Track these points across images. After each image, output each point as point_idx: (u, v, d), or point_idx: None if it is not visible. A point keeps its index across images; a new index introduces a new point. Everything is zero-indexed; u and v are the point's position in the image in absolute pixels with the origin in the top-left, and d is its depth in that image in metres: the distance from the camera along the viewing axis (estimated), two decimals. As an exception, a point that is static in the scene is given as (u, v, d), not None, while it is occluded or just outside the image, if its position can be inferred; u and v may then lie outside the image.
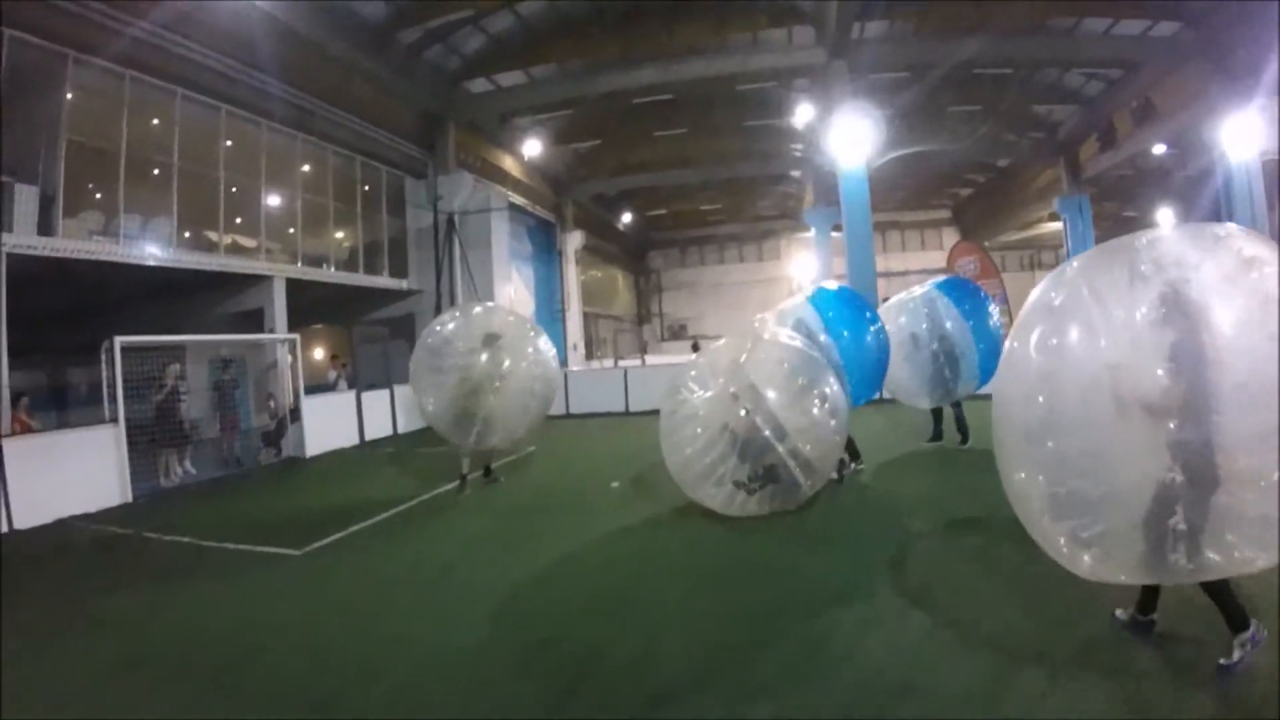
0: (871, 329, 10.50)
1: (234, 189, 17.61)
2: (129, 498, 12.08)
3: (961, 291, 11.95)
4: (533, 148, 27.63)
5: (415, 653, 5.63)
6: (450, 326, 10.98)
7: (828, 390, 8.33)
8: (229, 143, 17.30)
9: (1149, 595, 4.82)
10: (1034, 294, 4.63)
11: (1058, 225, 36.44)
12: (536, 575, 7.31)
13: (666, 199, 44.57)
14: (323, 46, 18.27)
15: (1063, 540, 4.30)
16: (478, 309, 12.16)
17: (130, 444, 12.32)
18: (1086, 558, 4.24)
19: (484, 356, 10.52)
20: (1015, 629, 5.14)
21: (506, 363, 10.64)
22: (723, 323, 47.24)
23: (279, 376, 16.51)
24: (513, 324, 11.42)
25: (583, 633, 5.79)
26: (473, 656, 5.50)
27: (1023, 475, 4.46)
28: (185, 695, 5.07)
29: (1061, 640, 4.89)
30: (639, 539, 8.34)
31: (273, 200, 19.06)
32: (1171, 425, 3.87)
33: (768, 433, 8.04)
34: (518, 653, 5.51)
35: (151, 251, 15.30)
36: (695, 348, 35.97)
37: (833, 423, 8.31)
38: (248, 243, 18.32)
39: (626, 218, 44.02)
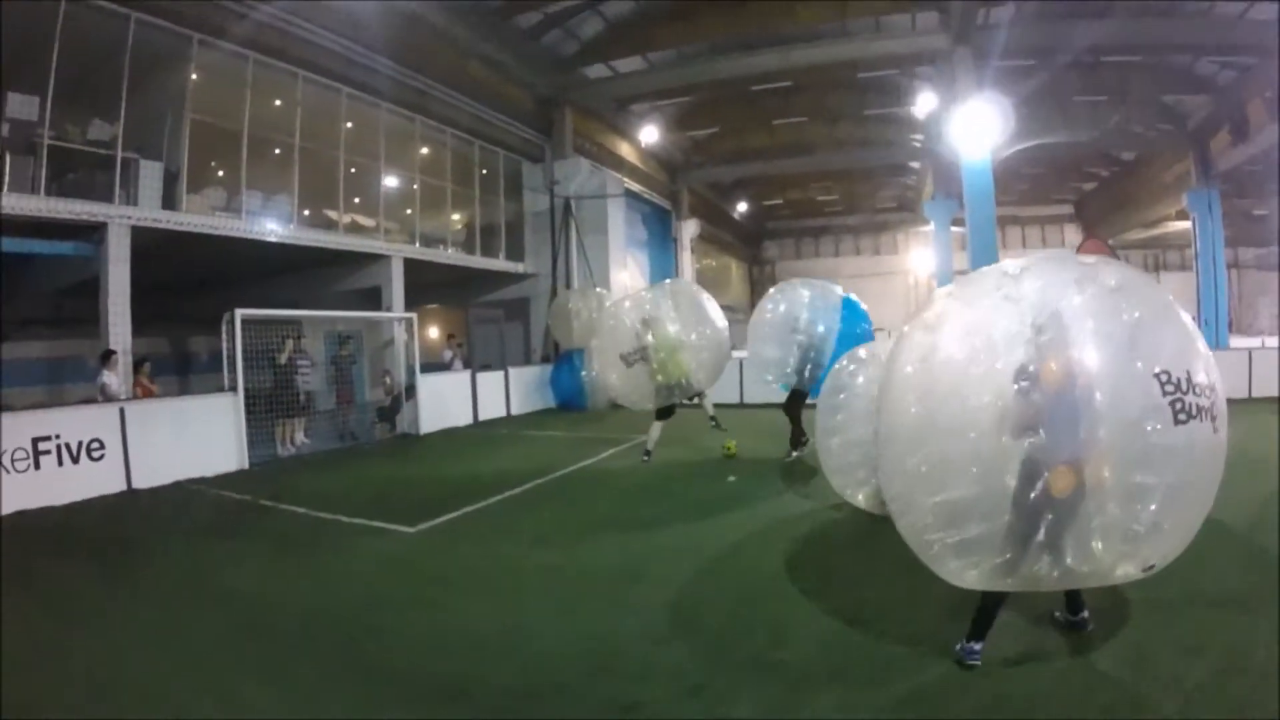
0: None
1: (353, 170, 17.94)
2: (245, 464, 12.46)
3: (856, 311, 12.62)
4: (649, 134, 27.34)
5: (545, 632, 5.54)
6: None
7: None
8: (349, 124, 17.62)
9: (1072, 596, 5.01)
10: (919, 312, 5.04)
11: (1184, 224, 34.15)
12: (655, 557, 7.24)
13: (783, 188, 43.89)
14: (442, 30, 18.40)
15: (935, 547, 4.42)
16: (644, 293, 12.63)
17: (248, 413, 12.66)
18: (954, 564, 4.37)
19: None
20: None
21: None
22: (838, 315, 46.39)
23: (395, 354, 16.74)
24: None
25: (713, 615, 5.76)
26: (604, 637, 5.41)
27: (899, 484, 4.66)
28: (311, 670, 5.05)
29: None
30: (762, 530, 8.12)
31: (391, 181, 19.40)
32: (1029, 441, 4.07)
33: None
34: (649, 631, 5.47)
35: (272, 228, 15.69)
36: None
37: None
38: (366, 222, 18.70)
39: (742, 206, 43.37)
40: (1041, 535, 4.04)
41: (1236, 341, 29.22)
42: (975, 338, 4.34)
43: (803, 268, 51.38)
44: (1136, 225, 41.29)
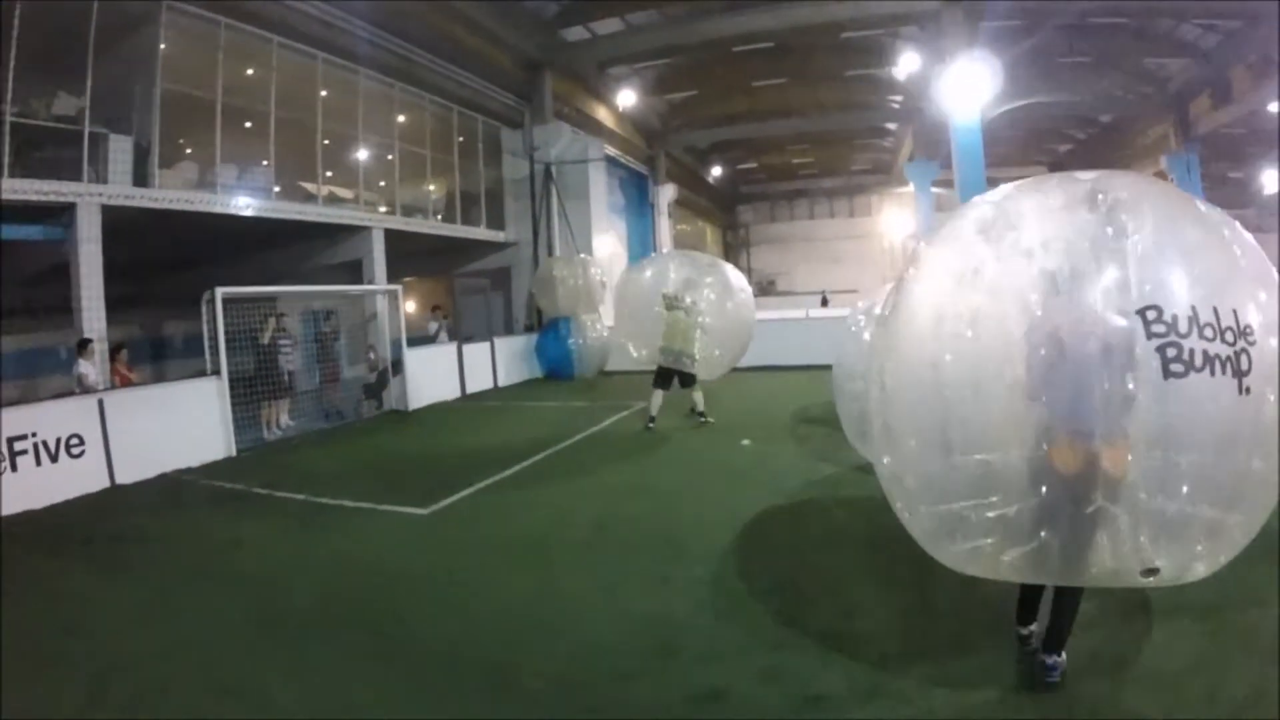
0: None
1: (331, 139, 17.29)
2: (233, 451, 11.89)
3: None
4: (627, 98, 26.94)
5: (590, 613, 5.23)
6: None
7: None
8: (325, 92, 16.92)
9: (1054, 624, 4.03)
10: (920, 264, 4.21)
11: (1161, 187, 33.87)
12: (691, 528, 7.00)
13: (758, 152, 43.53)
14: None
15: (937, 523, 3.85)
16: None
17: (232, 396, 12.08)
18: (954, 548, 3.81)
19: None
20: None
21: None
22: (813, 277, 46.39)
23: (379, 328, 16.17)
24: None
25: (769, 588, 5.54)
26: (656, 617, 5.11)
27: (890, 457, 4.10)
28: (337, 660, 4.71)
29: None
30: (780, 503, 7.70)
31: (370, 151, 18.70)
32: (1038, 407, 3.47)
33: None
34: (703, 608, 5.25)
35: (248, 202, 15.00)
36: (824, 302, 37.46)
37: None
38: (345, 193, 18.06)
39: (717, 171, 43.02)
40: (1053, 520, 3.42)
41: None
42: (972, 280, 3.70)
43: (777, 231, 51.26)
44: None
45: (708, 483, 8.84)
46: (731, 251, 51.87)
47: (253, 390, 12.76)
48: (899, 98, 32.11)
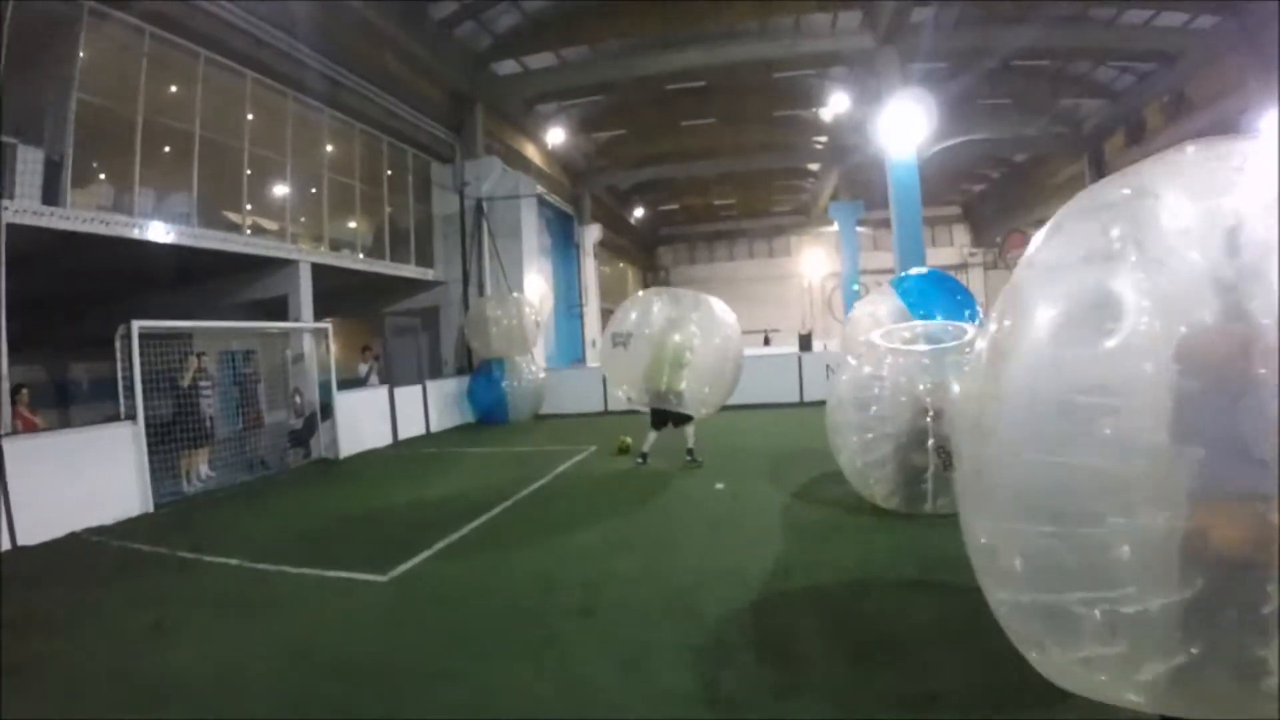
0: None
1: (255, 167, 15.96)
2: (150, 507, 10.56)
3: None
4: (556, 136, 26.49)
5: (619, 700, 4.38)
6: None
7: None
8: (252, 115, 15.68)
9: None
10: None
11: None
12: (699, 586, 6.25)
13: (681, 193, 43.79)
14: (357, 11, 16.73)
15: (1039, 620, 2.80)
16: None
17: (149, 444, 10.78)
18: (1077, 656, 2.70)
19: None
20: None
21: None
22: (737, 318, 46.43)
23: (306, 370, 14.97)
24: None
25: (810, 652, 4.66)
26: (696, 697, 4.34)
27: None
28: None
29: None
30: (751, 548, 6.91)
31: (298, 180, 17.41)
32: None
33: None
34: (751, 682, 4.50)
35: (169, 228, 13.62)
36: (766, 340, 38.69)
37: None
38: (270, 225, 16.76)
39: (639, 212, 42.83)
40: (1210, 625, 2.33)
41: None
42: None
43: (697, 273, 51.26)
44: (1027, 225, 42.90)
45: (693, 532, 8.11)
46: (652, 293, 51.53)
47: (169, 437, 11.43)
48: (824, 139, 32.75)
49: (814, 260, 49.18)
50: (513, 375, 19.33)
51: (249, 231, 15.94)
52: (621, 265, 46.58)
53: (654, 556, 7.28)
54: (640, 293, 13.25)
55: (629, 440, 13.30)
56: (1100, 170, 31.80)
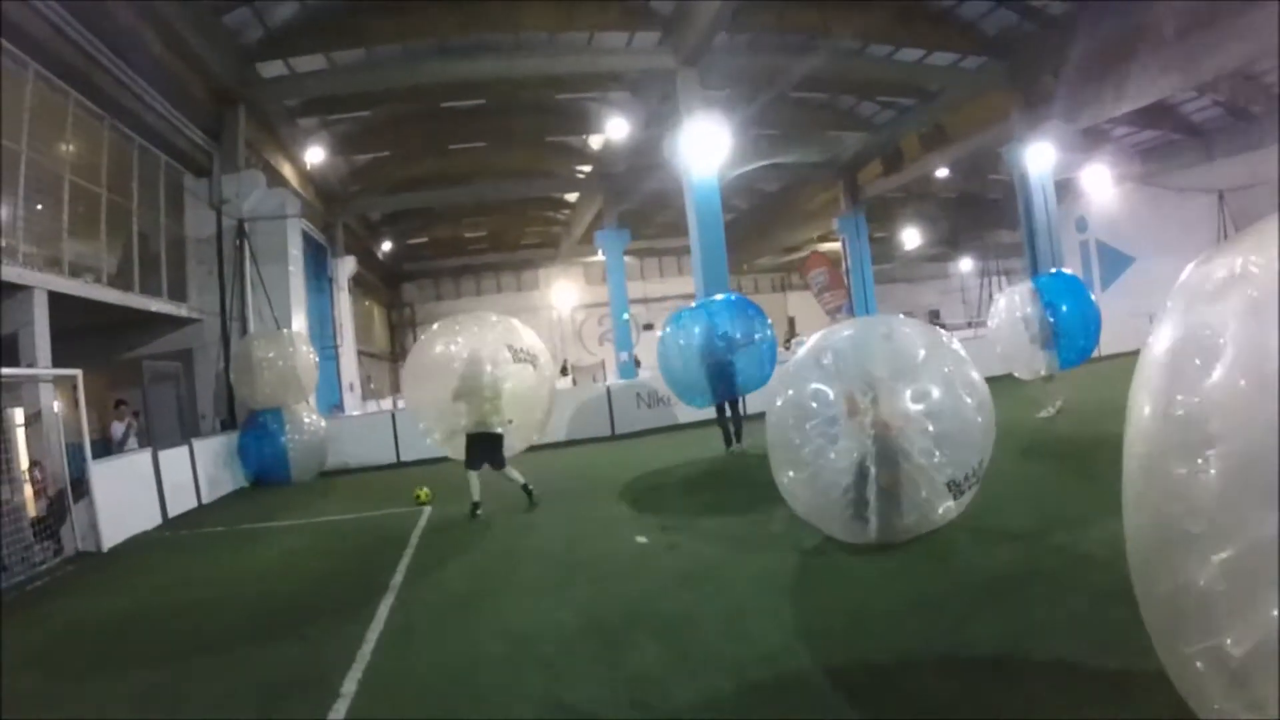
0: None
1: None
2: None
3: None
4: (315, 154, 23.84)
5: None
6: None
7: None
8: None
9: None
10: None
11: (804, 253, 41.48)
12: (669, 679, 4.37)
13: (431, 224, 41.81)
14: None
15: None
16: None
17: None
18: None
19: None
20: None
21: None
22: (492, 354, 45.20)
23: (46, 434, 11.41)
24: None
25: None
26: None
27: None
28: None
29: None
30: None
31: (32, 181, 12.97)
32: None
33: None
34: None
35: None
36: (565, 372, 36.65)
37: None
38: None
39: (387, 245, 39.87)
40: None
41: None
42: None
43: (445, 309, 49.09)
44: (775, 251, 46.70)
45: (644, 609, 5.97)
46: (397, 332, 49.20)
47: None
48: (588, 168, 32.54)
49: (564, 293, 49.34)
50: (293, 427, 16.38)
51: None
52: (368, 303, 43.32)
53: (608, 655, 5.13)
54: (438, 323, 12.51)
55: (427, 491, 11.97)
56: (855, 196, 34.71)
